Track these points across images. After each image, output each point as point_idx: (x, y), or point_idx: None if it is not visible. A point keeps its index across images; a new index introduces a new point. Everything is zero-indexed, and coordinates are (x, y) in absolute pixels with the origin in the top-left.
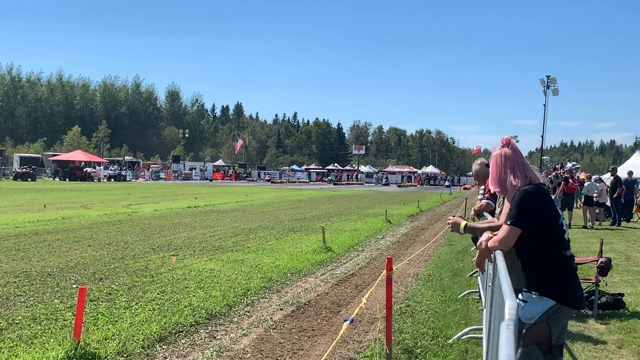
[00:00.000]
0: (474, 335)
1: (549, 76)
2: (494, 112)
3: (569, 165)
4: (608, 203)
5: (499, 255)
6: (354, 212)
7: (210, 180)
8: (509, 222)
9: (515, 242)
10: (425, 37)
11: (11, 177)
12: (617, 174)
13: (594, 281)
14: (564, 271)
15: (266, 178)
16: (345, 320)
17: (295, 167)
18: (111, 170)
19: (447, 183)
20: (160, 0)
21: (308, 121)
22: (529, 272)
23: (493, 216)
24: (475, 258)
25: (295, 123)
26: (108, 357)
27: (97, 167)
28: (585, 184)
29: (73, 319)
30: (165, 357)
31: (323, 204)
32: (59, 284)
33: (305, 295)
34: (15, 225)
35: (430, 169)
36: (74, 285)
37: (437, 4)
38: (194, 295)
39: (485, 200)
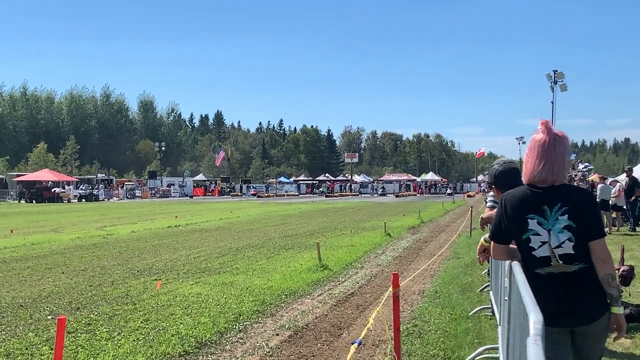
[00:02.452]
0: (489, 355)
1: (556, 71)
2: (498, 112)
3: (580, 166)
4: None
5: (517, 267)
6: (350, 226)
7: (191, 196)
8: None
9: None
10: (419, 33)
11: None
12: (633, 174)
13: None
14: (536, 289)
15: (252, 192)
16: (352, 343)
17: (283, 179)
18: (82, 189)
19: (449, 191)
20: (127, 3)
21: (295, 129)
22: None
23: None
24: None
25: (281, 131)
26: None
27: (66, 187)
28: (599, 187)
29: (51, 353)
30: None
31: (315, 218)
32: (33, 316)
33: (302, 319)
34: None
35: (430, 176)
36: (49, 317)
37: None
38: (181, 323)
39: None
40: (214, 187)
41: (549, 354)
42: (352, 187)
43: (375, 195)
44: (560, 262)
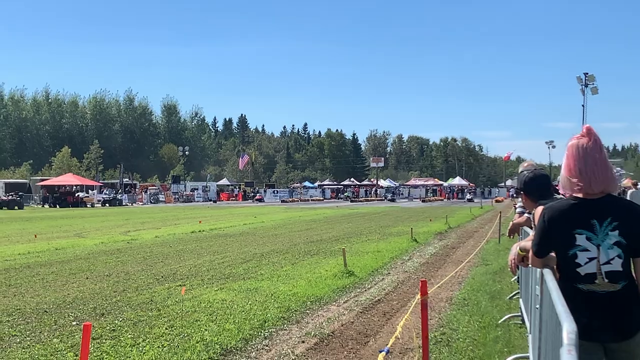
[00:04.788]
0: None
1: (587, 73)
2: (526, 115)
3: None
4: None
5: (549, 275)
6: (376, 232)
7: (215, 201)
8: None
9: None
10: (446, 34)
11: None
12: None
13: None
14: (573, 302)
15: (257, 197)
16: (380, 352)
17: (307, 183)
18: (105, 194)
19: (468, 196)
20: (150, 7)
21: (320, 132)
22: None
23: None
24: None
25: (306, 135)
26: None
27: (90, 192)
28: (629, 192)
29: (76, 359)
30: None
31: (341, 223)
32: (57, 322)
33: (328, 326)
34: (4, 259)
35: (457, 181)
36: (74, 323)
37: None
38: (205, 329)
39: (527, 214)
40: (238, 191)
41: None
42: (378, 191)
43: (401, 200)
44: (606, 280)
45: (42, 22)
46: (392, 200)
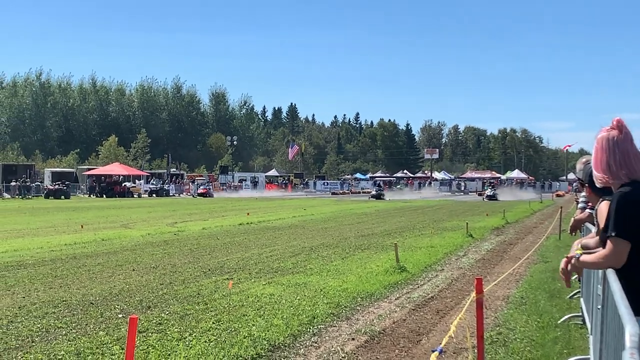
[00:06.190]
0: None
1: None
2: (591, 104)
3: None
4: None
5: (612, 275)
6: (429, 226)
7: (263, 193)
8: (613, 234)
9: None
10: (505, 24)
11: (42, 195)
12: None
13: None
14: None
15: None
16: (433, 351)
17: (358, 175)
18: (152, 184)
19: (488, 192)
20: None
21: (372, 123)
22: (629, 293)
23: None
24: (561, 267)
25: (358, 125)
26: None
27: (137, 182)
28: None
29: (122, 352)
30: None
31: (393, 217)
32: (103, 314)
33: (379, 323)
34: (50, 249)
35: (515, 174)
36: (120, 315)
37: None
38: (253, 324)
39: (588, 210)
40: (288, 183)
41: None
42: (432, 184)
43: (456, 193)
44: None
45: (88, 11)
46: (493, 197)
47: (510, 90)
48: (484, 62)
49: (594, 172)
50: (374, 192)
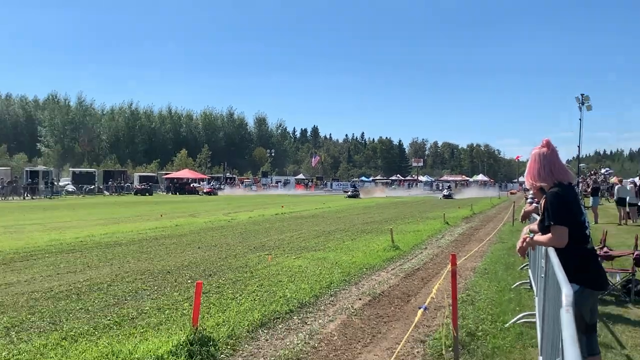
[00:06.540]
0: (528, 320)
1: (583, 94)
2: (534, 126)
3: (602, 171)
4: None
5: (552, 252)
6: (416, 216)
7: (293, 191)
8: (552, 223)
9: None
10: (470, 67)
11: (132, 193)
12: None
13: (631, 271)
14: (586, 261)
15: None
16: (419, 308)
17: (363, 178)
18: (212, 185)
19: (445, 192)
20: (246, 50)
21: (373, 139)
22: (564, 265)
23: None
24: (518, 246)
25: (363, 141)
26: (220, 340)
27: (200, 183)
28: (616, 187)
29: (190, 308)
30: (267, 340)
31: (389, 209)
32: (177, 280)
33: (379, 287)
34: (138, 232)
35: (480, 177)
36: (189, 281)
37: (479, 36)
38: (286, 288)
39: (535, 204)
40: (312, 183)
41: (593, 315)
42: (418, 185)
43: (435, 191)
44: (591, 239)
45: (165, 58)
46: (449, 196)
47: (476, 115)
48: (456, 95)
49: (526, 178)
50: (350, 193)
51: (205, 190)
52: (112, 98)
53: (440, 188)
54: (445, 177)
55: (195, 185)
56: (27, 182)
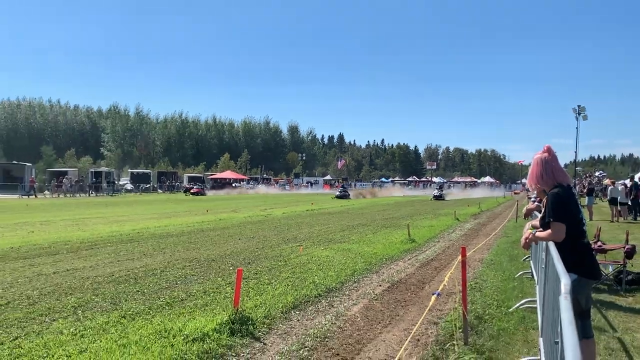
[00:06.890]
0: (529, 305)
1: (580, 105)
2: (536, 133)
3: (596, 173)
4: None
5: (551, 245)
6: (430, 213)
7: (321, 190)
8: (551, 219)
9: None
10: (477, 78)
11: (182, 191)
12: (635, 180)
13: (622, 263)
14: (582, 254)
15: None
16: (433, 294)
17: (383, 179)
18: (251, 185)
19: (435, 192)
20: (280, 63)
21: (392, 145)
22: (563, 257)
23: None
24: (522, 241)
25: (383, 147)
26: (258, 320)
27: (241, 182)
28: (609, 188)
29: (232, 292)
30: (298, 320)
31: (406, 207)
32: (220, 267)
33: (397, 275)
34: (187, 225)
35: (487, 179)
36: (231, 268)
37: (488, 43)
38: (315, 275)
39: (537, 203)
40: (337, 184)
41: (588, 301)
42: (432, 185)
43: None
44: (586, 234)
45: (209, 75)
46: (440, 197)
47: (484, 122)
48: (467, 104)
49: (529, 182)
50: (338, 193)
51: (192, 192)
52: (165, 107)
53: (451, 189)
54: (456, 179)
55: (236, 185)
56: (91, 182)
